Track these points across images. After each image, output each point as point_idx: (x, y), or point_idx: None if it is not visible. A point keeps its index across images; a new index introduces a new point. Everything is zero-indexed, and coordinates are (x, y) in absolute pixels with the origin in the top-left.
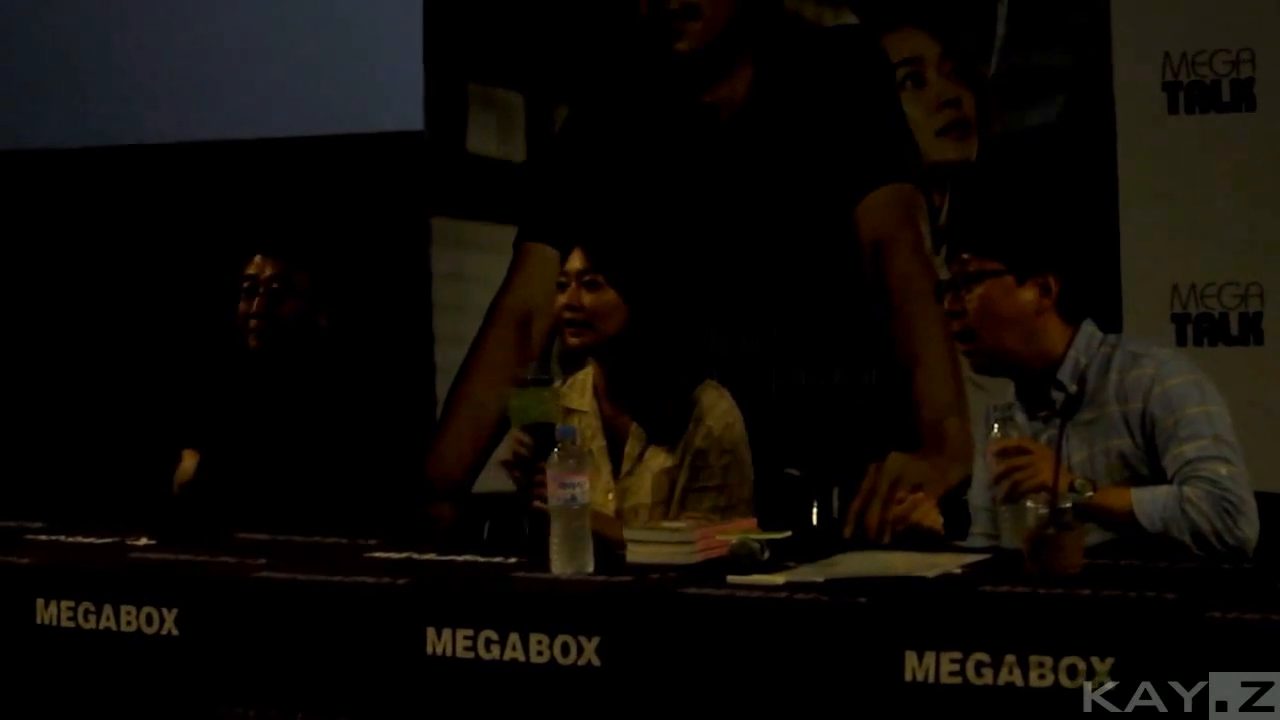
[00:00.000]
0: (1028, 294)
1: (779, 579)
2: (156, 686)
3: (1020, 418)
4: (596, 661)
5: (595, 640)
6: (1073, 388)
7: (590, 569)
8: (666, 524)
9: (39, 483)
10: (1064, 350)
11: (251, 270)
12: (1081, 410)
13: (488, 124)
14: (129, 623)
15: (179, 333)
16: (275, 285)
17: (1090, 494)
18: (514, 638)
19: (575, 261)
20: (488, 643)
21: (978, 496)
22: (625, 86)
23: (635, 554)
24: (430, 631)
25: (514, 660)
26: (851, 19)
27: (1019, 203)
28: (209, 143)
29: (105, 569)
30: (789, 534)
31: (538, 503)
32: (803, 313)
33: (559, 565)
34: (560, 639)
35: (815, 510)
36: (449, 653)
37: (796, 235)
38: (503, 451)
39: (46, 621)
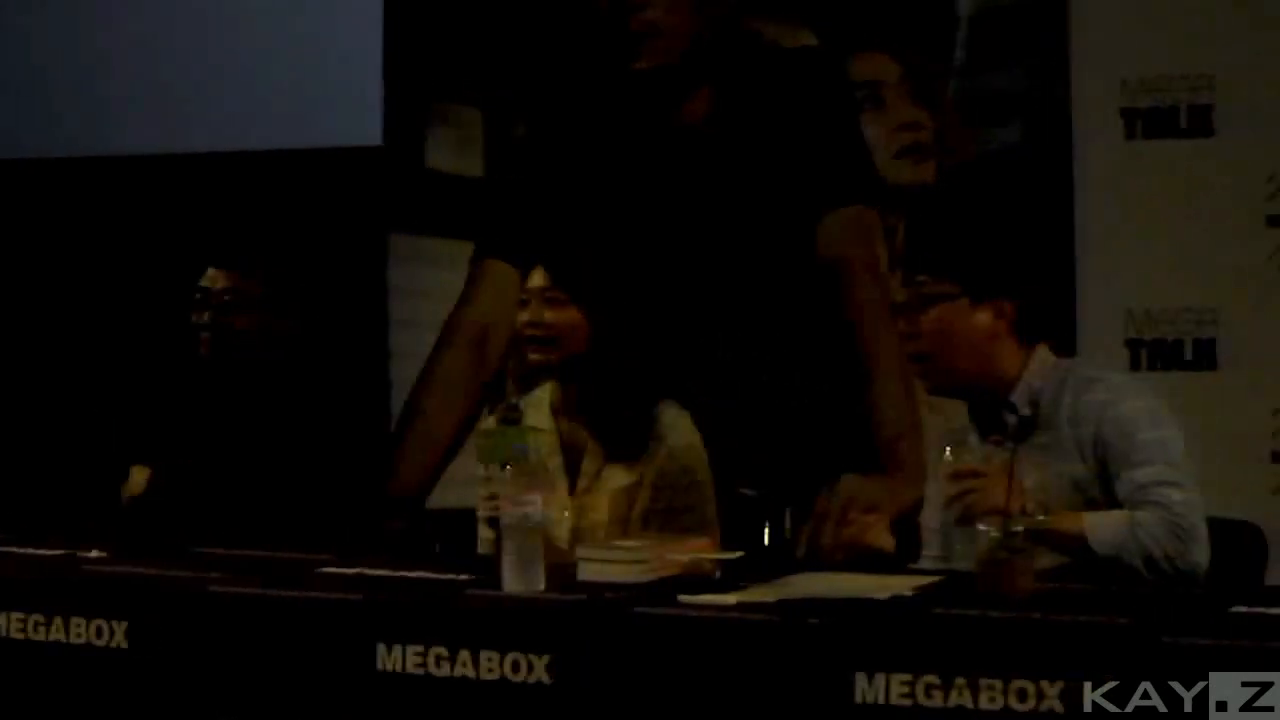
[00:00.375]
0: (983, 317)
1: (731, 599)
2: (106, 700)
3: (973, 440)
4: (547, 679)
5: (546, 658)
6: (1026, 411)
7: (542, 586)
8: (619, 542)
9: None
10: (1018, 373)
11: (204, 282)
12: (1035, 434)
13: (446, 140)
14: (79, 635)
15: (133, 344)
16: (227, 298)
17: (1043, 518)
18: (464, 654)
19: (537, 279)
20: (438, 659)
21: (931, 518)
22: (583, 103)
23: (587, 571)
24: (381, 647)
25: (464, 677)
26: (811, 39)
27: (976, 226)
28: (167, 155)
29: (56, 581)
30: (741, 554)
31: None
32: (757, 333)
33: (511, 582)
34: (511, 656)
35: (767, 530)
36: (399, 669)
37: (753, 256)
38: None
39: None
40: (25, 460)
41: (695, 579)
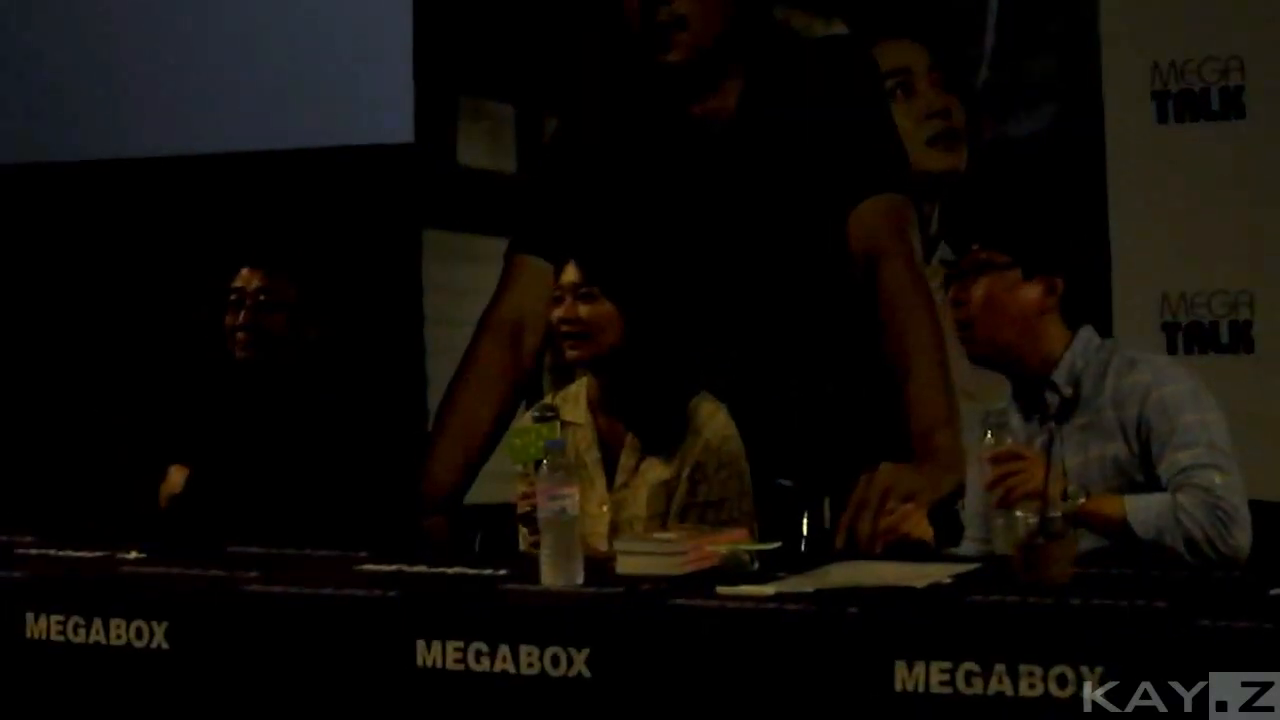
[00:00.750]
0: (1032, 291)
1: (769, 590)
2: (147, 700)
3: (1015, 422)
4: (587, 673)
5: (585, 651)
6: (1068, 391)
7: (580, 580)
8: (656, 534)
9: (28, 496)
10: (1061, 353)
11: (238, 283)
12: (1076, 415)
13: (478, 136)
14: (119, 636)
15: (168, 346)
16: (262, 298)
17: (1083, 501)
18: (504, 649)
19: (570, 274)
20: (478, 654)
21: (972, 502)
22: (614, 98)
23: (625, 565)
24: (420, 644)
25: (504, 671)
26: (841, 29)
27: (1031, 202)
28: (199, 156)
29: (95, 582)
30: (779, 545)
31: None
32: (794, 324)
33: (549, 577)
34: (550, 650)
35: (806, 521)
36: (439, 664)
37: (787, 246)
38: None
39: (36, 635)
40: (63, 462)
41: (733, 570)
